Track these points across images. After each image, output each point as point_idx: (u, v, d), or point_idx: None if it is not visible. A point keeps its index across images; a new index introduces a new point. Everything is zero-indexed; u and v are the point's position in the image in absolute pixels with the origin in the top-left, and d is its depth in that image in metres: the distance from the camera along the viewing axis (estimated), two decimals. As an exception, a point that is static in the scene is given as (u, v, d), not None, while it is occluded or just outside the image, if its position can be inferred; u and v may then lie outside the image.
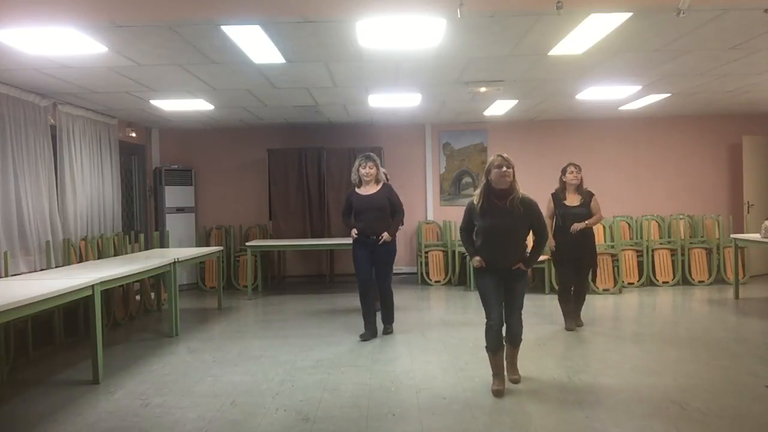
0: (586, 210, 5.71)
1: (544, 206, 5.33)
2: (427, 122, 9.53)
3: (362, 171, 5.58)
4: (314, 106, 7.63)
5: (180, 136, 9.47)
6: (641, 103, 7.93)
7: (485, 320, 4.10)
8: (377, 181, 5.64)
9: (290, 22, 4.14)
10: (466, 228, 4.19)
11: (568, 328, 5.79)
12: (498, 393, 4.00)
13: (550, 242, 5.76)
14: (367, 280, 5.62)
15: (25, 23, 3.85)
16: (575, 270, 5.83)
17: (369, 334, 5.63)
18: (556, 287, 6.17)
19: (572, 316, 5.87)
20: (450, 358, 4.96)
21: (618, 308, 6.97)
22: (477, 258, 4.06)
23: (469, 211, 4.12)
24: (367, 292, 5.64)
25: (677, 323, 6.25)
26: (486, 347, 4.13)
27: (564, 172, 5.84)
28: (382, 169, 5.78)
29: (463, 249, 8.63)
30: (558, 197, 5.82)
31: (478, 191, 4.08)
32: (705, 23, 4.38)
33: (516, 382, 4.21)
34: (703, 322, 6.22)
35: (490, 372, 4.15)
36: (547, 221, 5.60)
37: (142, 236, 7.61)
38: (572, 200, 5.76)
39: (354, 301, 6.79)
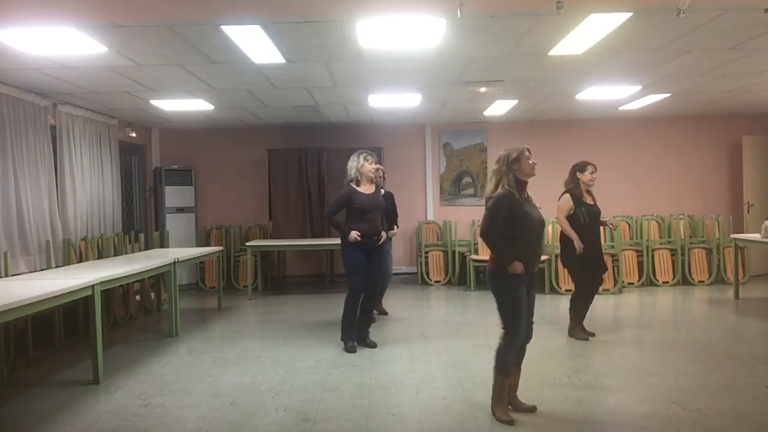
0: (599, 210, 5.52)
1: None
2: (427, 122, 9.53)
3: (369, 166, 5.13)
4: (314, 106, 7.63)
5: (180, 136, 9.46)
6: (641, 103, 7.92)
7: (511, 339, 3.53)
8: (372, 181, 5.28)
9: (290, 22, 4.14)
10: (497, 226, 3.50)
11: (581, 338, 5.45)
12: (512, 422, 3.52)
13: (578, 243, 5.27)
14: (363, 288, 5.22)
15: (26, 23, 3.85)
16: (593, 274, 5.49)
17: (356, 344, 5.24)
18: (575, 291, 5.57)
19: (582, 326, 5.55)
20: (450, 358, 4.95)
21: (618, 308, 6.96)
22: (518, 263, 3.45)
23: (509, 205, 3.47)
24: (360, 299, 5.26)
25: (677, 323, 6.25)
26: (500, 369, 3.58)
27: (583, 170, 5.40)
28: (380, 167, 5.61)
29: (463, 249, 8.76)
30: (576, 195, 5.39)
31: (504, 182, 3.52)
32: (705, 23, 4.38)
33: (534, 410, 3.69)
34: (703, 322, 6.22)
35: (490, 373, 3.75)
36: (564, 222, 5.31)
37: (142, 236, 7.61)
38: (588, 199, 5.46)
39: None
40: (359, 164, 5.15)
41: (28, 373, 4.87)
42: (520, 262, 3.46)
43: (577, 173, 5.43)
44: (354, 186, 5.17)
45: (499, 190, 3.53)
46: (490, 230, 3.52)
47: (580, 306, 5.52)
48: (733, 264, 7.42)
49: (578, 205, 5.37)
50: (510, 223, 3.49)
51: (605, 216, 5.61)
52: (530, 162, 3.56)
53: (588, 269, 5.41)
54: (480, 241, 8.45)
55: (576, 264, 5.41)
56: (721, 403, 3.77)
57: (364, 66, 5.48)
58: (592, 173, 5.42)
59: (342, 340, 5.29)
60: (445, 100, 7.48)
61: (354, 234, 5.05)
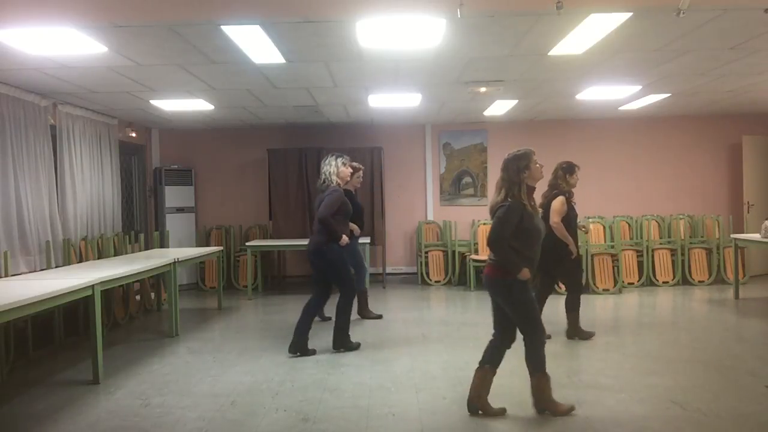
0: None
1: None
2: (427, 122, 9.53)
3: (346, 170, 5.28)
4: (314, 106, 7.63)
5: (180, 136, 9.46)
6: (641, 103, 7.92)
7: (538, 336, 3.60)
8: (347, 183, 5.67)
9: (290, 22, 4.14)
10: (505, 237, 3.47)
11: (586, 337, 5.42)
12: (573, 408, 3.65)
13: (573, 248, 5.22)
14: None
15: (25, 23, 3.86)
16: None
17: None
18: (572, 291, 5.48)
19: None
20: (450, 358, 4.95)
21: (618, 308, 6.96)
22: (527, 269, 3.48)
23: (520, 216, 3.45)
24: None
25: (677, 323, 6.25)
26: (540, 368, 3.61)
27: (573, 171, 5.31)
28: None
29: (463, 249, 8.76)
30: (567, 197, 5.28)
31: (514, 192, 3.50)
32: (705, 23, 4.38)
33: (503, 413, 3.72)
34: (703, 322, 6.22)
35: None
36: (561, 226, 5.13)
37: (142, 236, 7.61)
38: (573, 202, 5.42)
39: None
40: (338, 169, 5.19)
41: (28, 373, 4.87)
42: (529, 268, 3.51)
43: (567, 175, 5.31)
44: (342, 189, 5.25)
45: (509, 199, 3.50)
46: (498, 240, 3.49)
47: (578, 305, 5.44)
48: (733, 264, 7.42)
49: (569, 208, 5.28)
50: (518, 234, 3.48)
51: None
52: (538, 166, 3.60)
53: (579, 269, 5.46)
54: (480, 242, 8.46)
55: (569, 268, 5.36)
56: (721, 403, 3.77)
57: (364, 66, 5.48)
58: (577, 174, 5.37)
59: (345, 345, 5.25)
60: (445, 100, 7.48)
61: (346, 239, 5.17)
